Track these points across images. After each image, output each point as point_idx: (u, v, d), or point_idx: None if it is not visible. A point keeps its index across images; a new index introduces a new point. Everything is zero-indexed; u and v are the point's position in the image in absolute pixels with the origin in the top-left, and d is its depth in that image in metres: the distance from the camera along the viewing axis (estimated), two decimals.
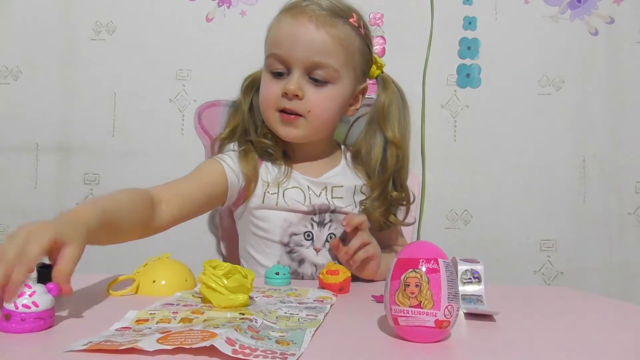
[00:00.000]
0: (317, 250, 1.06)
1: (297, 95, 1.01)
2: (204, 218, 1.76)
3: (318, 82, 1.02)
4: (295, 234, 1.05)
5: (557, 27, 1.79)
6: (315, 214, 1.05)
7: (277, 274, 0.93)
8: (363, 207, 1.09)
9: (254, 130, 1.12)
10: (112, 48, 1.81)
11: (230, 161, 1.06)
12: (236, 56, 1.80)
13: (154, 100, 1.80)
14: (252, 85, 1.17)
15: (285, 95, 1.01)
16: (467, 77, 1.79)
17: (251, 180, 1.06)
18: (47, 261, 0.82)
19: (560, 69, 1.79)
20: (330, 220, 1.06)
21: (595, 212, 1.77)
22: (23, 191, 1.80)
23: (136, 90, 1.80)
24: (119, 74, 1.80)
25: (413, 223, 1.21)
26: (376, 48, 1.80)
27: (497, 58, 1.79)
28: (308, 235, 1.05)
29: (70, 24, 1.82)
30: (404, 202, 1.12)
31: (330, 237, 1.05)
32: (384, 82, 1.14)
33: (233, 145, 1.11)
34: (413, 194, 1.14)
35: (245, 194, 1.07)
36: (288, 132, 1.06)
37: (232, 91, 1.79)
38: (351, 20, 1.04)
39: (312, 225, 1.05)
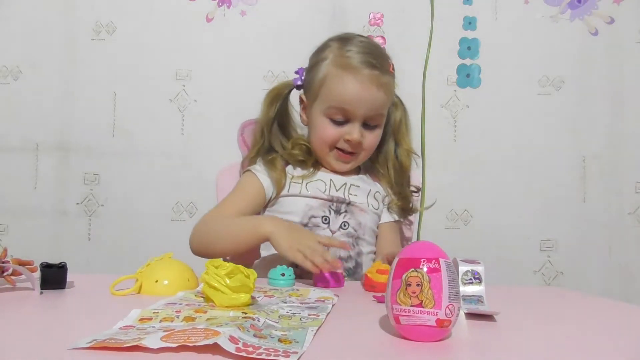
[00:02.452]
0: (333, 232, 1.17)
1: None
2: None
3: (370, 127, 1.19)
4: (314, 217, 1.17)
5: (557, 27, 1.79)
6: (333, 202, 1.19)
7: (283, 275, 0.94)
8: (390, 202, 1.26)
9: (280, 144, 1.25)
10: (112, 48, 1.81)
11: (262, 173, 1.22)
12: (236, 56, 1.81)
13: (154, 100, 1.81)
14: (276, 99, 1.27)
15: (348, 142, 1.17)
16: (467, 77, 1.80)
17: (281, 182, 1.20)
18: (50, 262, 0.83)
19: (560, 69, 1.79)
20: (346, 211, 1.19)
21: (595, 212, 1.78)
22: (23, 191, 1.80)
23: (136, 90, 1.81)
24: (119, 74, 1.81)
25: (430, 206, 1.37)
26: None
27: (497, 58, 1.79)
28: (325, 220, 1.17)
29: (70, 24, 1.82)
30: (417, 192, 1.31)
31: (344, 225, 1.18)
32: (395, 101, 1.29)
33: (259, 163, 1.24)
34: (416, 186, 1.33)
35: (278, 193, 1.21)
36: (343, 166, 1.22)
37: (232, 91, 1.80)
38: (391, 69, 1.20)
39: (329, 211, 1.18)
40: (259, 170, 1.22)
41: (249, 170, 1.23)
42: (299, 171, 1.22)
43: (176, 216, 1.79)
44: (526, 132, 1.78)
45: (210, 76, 1.81)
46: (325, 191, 1.19)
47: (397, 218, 1.27)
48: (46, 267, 0.81)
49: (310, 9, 1.81)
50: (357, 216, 1.20)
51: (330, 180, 1.21)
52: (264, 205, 1.23)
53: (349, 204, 1.19)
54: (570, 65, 1.79)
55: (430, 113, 1.79)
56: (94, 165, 1.80)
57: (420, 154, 1.80)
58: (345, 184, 1.21)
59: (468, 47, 1.79)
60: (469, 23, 1.80)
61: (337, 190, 1.20)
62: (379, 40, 1.80)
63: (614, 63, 1.79)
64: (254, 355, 0.47)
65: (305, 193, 1.18)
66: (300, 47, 1.74)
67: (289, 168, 1.23)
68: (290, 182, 1.20)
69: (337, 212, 1.18)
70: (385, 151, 1.28)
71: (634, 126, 1.78)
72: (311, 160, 1.23)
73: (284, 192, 1.20)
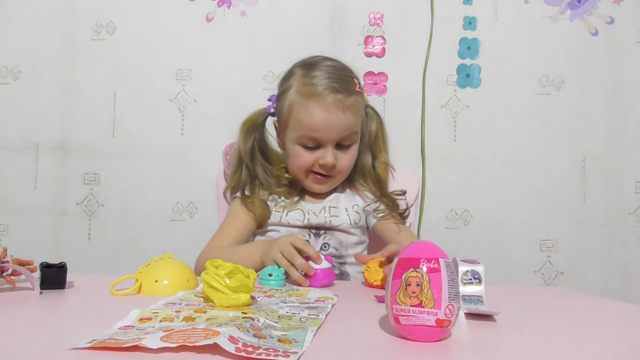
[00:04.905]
0: None
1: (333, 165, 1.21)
2: (205, 218, 1.77)
3: (344, 146, 1.22)
4: None
5: (557, 27, 1.79)
6: (311, 229, 1.24)
7: (271, 275, 0.94)
8: (380, 213, 1.28)
9: (263, 174, 1.28)
10: (112, 48, 1.81)
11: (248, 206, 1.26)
12: (236, 56, 1.80)
13: (154, 100, 1.81)
14: (253, 129, 1.29)
15: (323, 166, 1.20)
16: (467, 77, 1.80)
17: (264, 216, 1.25)
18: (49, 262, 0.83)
19: (560, 69, 1.79)
20: (325, 233, 1.24)
21: (595, 212, 1.78)
22: (23, 191, 1.80)
23: (136, 90, 1.81)
24: (119, 74, 1.81)
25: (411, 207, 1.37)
26: (376, 48, 1.80)
27: (497, 58, 1.79)
28: None
29: (70, 24, 1.82)
30: (401, 194, 1.32)
31: (325, 246, 1.23)
32: (369, 113, 1.32)
33: (239, 194, 1.28)
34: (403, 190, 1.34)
35: (262, 225, 1.27)
36: (321, 188, 1.26)
37: (232, 91, 1.80)
38: (357, 88, 1.21)
39: (309, 235, 1.23)
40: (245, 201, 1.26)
41: (236, 197, 1.28)
42: (282, 201, 1.26)
43: (176, 216, 1.79)
44: (526, 132, 1.78)
45: (210, 76, 1.81)
46: (303, 220, 1.23)
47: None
48: (46, 267, 0.81)
49: (310, 9, 1.81)
50: (337, 236, 1.24)
51: (309, 208, 1.24)
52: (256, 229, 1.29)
53: (328, 228, 1.23)
54: (570, 65, 1.79)
55: (430, 113, 1.79)
56: (94, 165, 1.80)
57: (421, 157, 1.81)
58: (324, 207, 1.25)
59: (468, 47, 1.79)
60: (469, 23, 1.80)
61: (317, 216, 1.24)
62: (379, 40, 1.80)
63: (614, 63, 1.78)
64: (253, 355, 0.47)
65: (285, 222, 1.23)
66: (300, 47, 1.75)
67: (274, 196, 1.27)
68: (272, 211, 1.25)
69: (317, 234, 1.23)
70: (362, 164, 1.31)
71: (634, 126, 1.78)
72: (295, 192, 1.27)
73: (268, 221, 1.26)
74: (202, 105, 1.81)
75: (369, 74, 1.77)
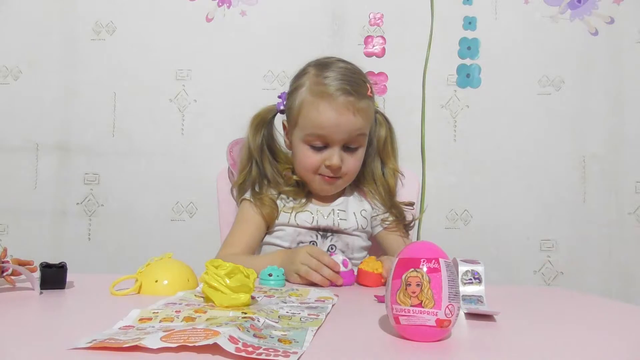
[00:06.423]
0: None
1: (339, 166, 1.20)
2: (205, 218, 1.77)
3: (351, 149, 1.21)
4: (302, 242, 1.23)
5: (557, 27, 1.79)
6: (319, 230, 1.24)
7: (271, 275, 0.95)
8: (387, 223, 1.28)
9: (271, 171, 1.27)
10: (112, 48, 1.81)
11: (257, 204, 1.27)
12: (236, 56, 1.81)
13: (154, 100, 1.81)
14: (262, 125, 1.28)
15: (328, 167, 1.19)
16: (467, 77, 1.80)
17: (273, 216, 1.25)
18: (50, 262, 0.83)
19: (560, 69, 1.79)
20: (332, 235, 1.24)
21: (595, 212, 1.78)
22: (23, 191, 1.80)
23: (136, 90, 1.81)
24: (119, 74, 1.81)
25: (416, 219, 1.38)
26: (376, 48, 1.80)
27: (497, 58, 1.79)
28: (312, 245, 1.22)
29: (70, 24, 1.82)
30: (410, 205, 1.31)
31: (331, 248, 1.23)
32: (379, 119, 1.31)
33: (249, 194, 1.27)
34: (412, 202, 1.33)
35: (270, 225, 1.27)
36: (327, 190, 1.25)
37: (232, 91, 1.80)
38: (369, 93, 1.21)
39: (316, 236, 1.24)
40: (254, 202, 1.26)
41: (245, 199, 1.27)
42: (290, 202, 1.26)
43: (176, 216, 1.79)
44: (526, 132, 1.78)
45: (210, 76, 1.81)
46: (312, 222, 1.23)
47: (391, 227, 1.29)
48: (46, 267, 0.81)
49: (311, 9, 1.81)
50: (344, 238, 1.24)
51: (317, 210, 1.24)
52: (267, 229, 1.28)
53: (336, 231, 1.24)
54: (570, 65, 1.79)
55: (430, 113, 1.79)
56: (94, 165, 1.80)
57: (421, 157, 1.81)
58: (333, 210, 1.25)
59: (468, 47, 1.79)
60: (469, 23, 1.80)
61: (325, 218, 1.24)
62: (378, 40, 1.80)
63: (614, 63, 1.79)
64: (253, 356, 0.47)
65: (293, 223, 1.22)
66: (301, 47, 1.75)
67: (282, 197, 1.27)
68: (280, 212, 1.24)
69: (324, 236, 1.23)
70: (371, 170, 1.30)
71: (634, 126, 1.78)
72: (303, 193, 1.26)
73: (276, 221, 1.25)
74: (202, 105, 1.81)
75: (369, 74, 1.77)
